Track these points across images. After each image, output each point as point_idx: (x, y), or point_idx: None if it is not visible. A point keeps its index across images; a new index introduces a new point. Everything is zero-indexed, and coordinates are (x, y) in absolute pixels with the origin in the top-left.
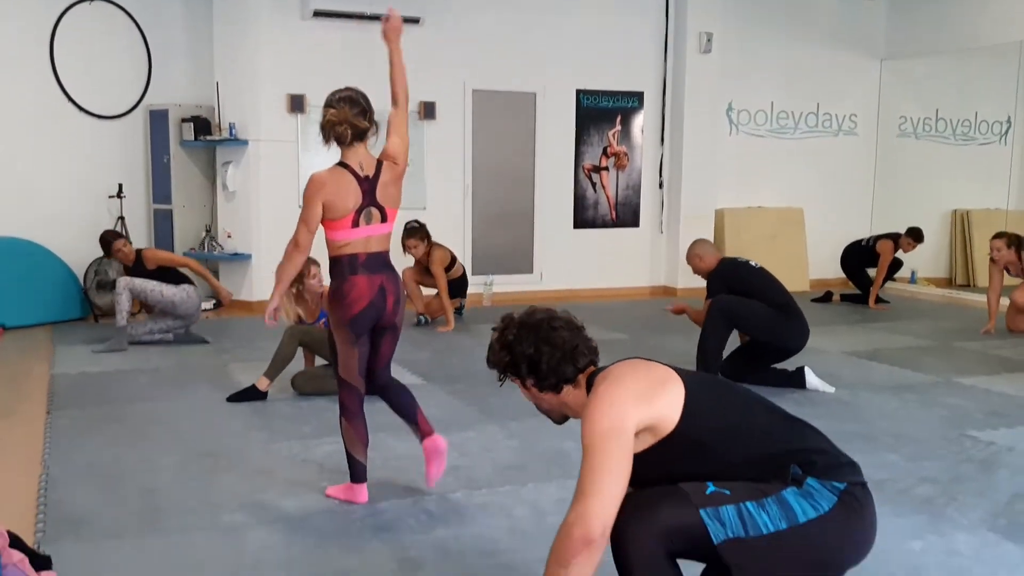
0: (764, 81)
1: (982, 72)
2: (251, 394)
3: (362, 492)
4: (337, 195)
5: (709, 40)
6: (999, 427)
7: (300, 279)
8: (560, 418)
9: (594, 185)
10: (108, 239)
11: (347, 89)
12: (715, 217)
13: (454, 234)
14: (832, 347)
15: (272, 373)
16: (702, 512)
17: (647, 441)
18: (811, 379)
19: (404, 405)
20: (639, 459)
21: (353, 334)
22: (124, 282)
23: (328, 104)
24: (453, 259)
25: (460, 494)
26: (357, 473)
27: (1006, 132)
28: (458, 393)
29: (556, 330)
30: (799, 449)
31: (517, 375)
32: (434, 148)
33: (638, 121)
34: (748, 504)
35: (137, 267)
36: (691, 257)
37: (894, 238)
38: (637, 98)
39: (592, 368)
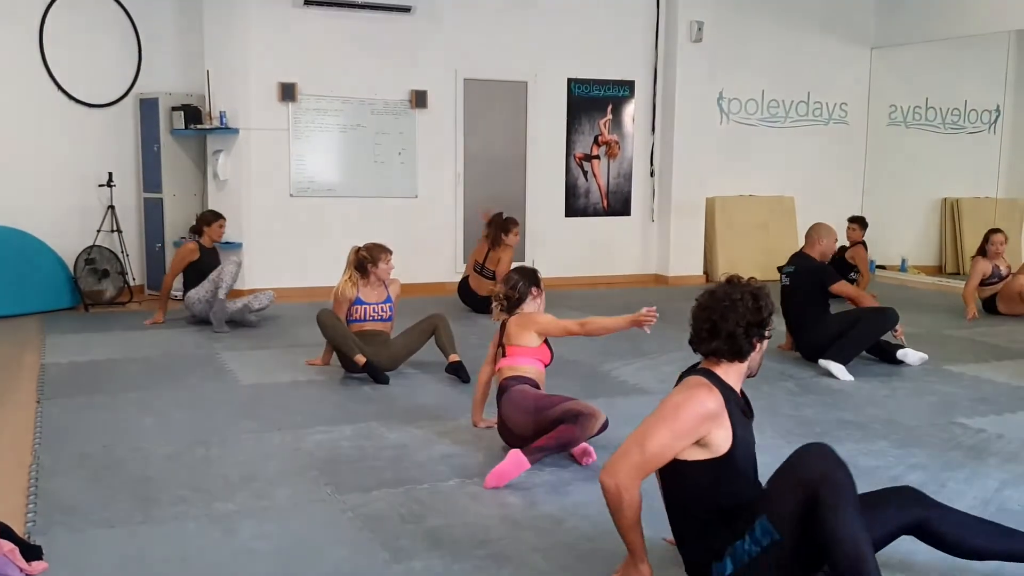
0: (755, 70)
1: (971, 61)
2: (372, 372)
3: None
4: None
5: (700, 29)
6: (988, 414)
7: (374, 261)
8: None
9: (585, 174)
10: (209, 219)
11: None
12: (706, 205)
13: (445, 222)
14: None
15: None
16: None
17: (702, 454)
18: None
19: None
20: (693, 466)
21: None
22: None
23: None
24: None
25: (453, 483)
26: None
27: (995, 121)
28: (451, 381)
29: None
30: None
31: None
32: (425, 137)
33: (629, 110)
34: None
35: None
36: (820, 238)
37: (852, 243)
38: (628, 87)
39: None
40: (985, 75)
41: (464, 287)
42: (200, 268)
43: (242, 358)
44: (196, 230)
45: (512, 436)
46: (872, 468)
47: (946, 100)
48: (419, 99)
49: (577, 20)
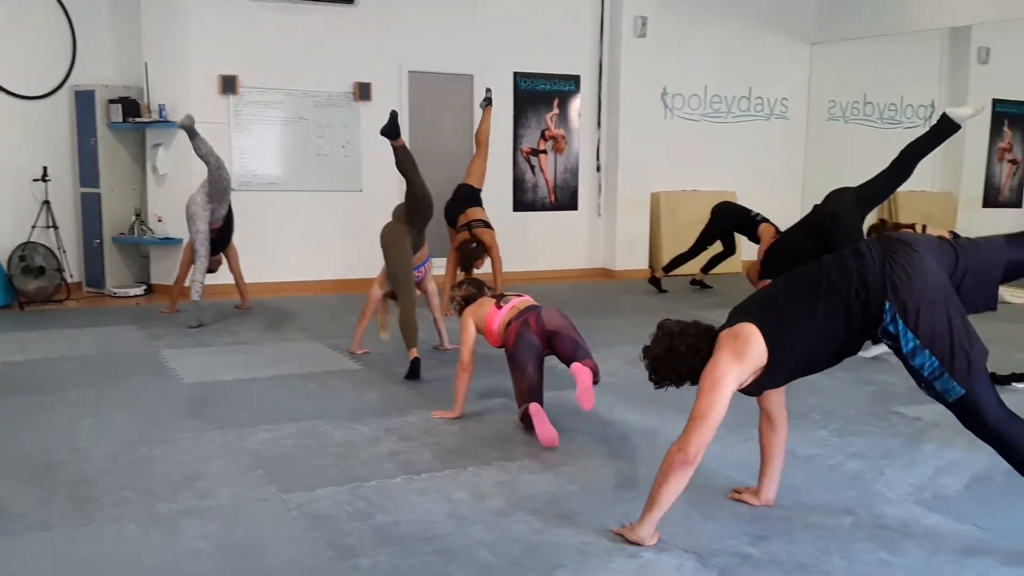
0: (698, 65)
1: (907, 57)
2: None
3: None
4: None
5: (644, 24)
6: (924, 403)
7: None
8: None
9: (533, 168)
10: None
11: None
12: (651, 200)
13: (390, 216)
14: None
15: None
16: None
17: (756, 373)
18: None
19: None
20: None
21: None
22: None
23: None
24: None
25: (399, 480)
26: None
27: (930, 116)
28: (397, 378)
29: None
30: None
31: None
32: (370, 130)
33: (575, 104)
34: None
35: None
36: None
37: (777, 230)
38: (574, 81)
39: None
40: (920, 71)
41: None
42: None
43: (184, 356)
44: None
45: (544, 338)
46: (811, 457)
47: (883, 95)
48: (363, 92)
49: (523, 13)
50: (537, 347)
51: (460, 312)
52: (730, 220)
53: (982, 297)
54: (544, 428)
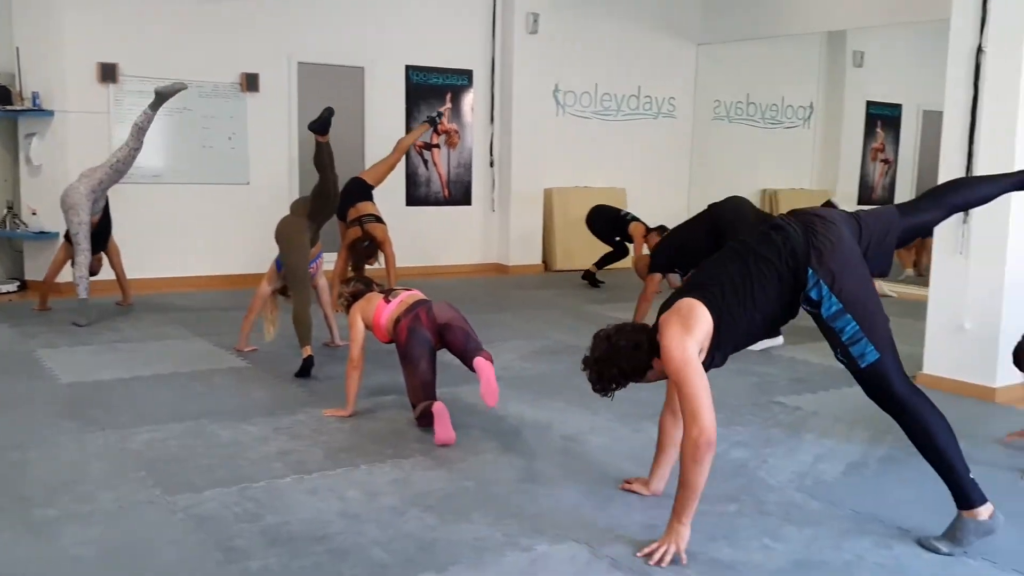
0: (589, 63)
1: (788, 59)
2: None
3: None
4: None
5: (536, 20)
6: (804, 393)
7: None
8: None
9: (426, 163)
10: None
11: None
12: (544, 196)
13: (279, 209)
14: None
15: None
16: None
17: (705, 350)
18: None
19: None
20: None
21: None
22: None
23: None
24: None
25: (290, 479)
26: None
27: (809, 117)
28: (286, 376)
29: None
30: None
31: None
32: (257, 121)
33: (468, 99)
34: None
35: None
36: None
37: (647, 228)
38: (467, 76)
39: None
40: (800, 73)
41: None
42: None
43: (61, 355)
44: None
45: (436, 332)
46: None
47: (765, 96)
48: (250, 82)
49: (415, 6)
50: (430, 342)
51: (348, 309)
52: (603, 224)
53: (880, 264)
54: (444, 429)
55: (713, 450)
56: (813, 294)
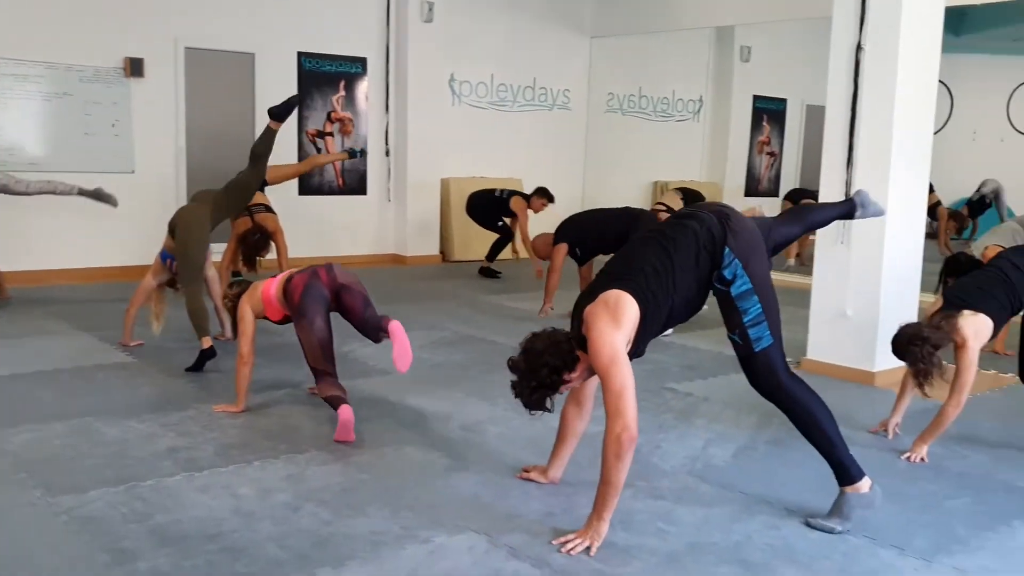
0: (484, 54)
1: (679, 54)
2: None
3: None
4: None
5: (431, 9)
6: (695, 379)
7: None
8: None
9: (319, 151)
10: None
11: None
12: (441, 186)
13: (165, 200)
14: (534, 309)
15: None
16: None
17: (634, 333)
18: None
19: None
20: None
21: None
22: None
23: None
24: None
25: (180, 477)
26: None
27: (699, 110)
28: (174, 371)
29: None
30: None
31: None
32: (142, 108)
33: (363, 87)
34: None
35: None
36: None
37: (526, 197)
38: (360, 64)
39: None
40: (690, 67)
41: None
42: None
43: None
44: None
45: (334, 292)
46: (594, 434)
47: (657, 89)
48: (134, 67)
49: None
50: (326, 298)
51: (235, 308)
52: (483, 209)
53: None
54: (346, 432)
55: (633, 447)
56: (727, 272)
